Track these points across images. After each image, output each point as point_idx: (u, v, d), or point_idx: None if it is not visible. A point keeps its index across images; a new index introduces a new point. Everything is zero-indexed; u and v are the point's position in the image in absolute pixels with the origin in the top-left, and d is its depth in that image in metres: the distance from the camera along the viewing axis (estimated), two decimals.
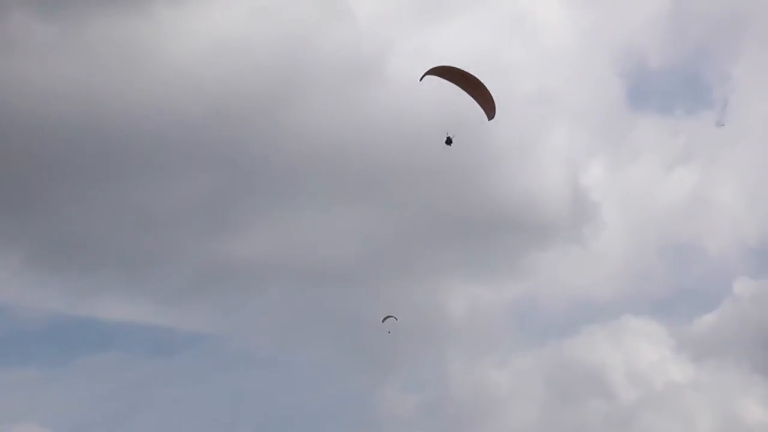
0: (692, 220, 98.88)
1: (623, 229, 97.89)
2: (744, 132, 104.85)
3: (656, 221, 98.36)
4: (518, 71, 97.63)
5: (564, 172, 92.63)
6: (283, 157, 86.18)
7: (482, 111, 52.68)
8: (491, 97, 52.27)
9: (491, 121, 53.15)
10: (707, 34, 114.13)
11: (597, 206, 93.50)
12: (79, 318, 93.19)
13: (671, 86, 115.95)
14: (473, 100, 52.65)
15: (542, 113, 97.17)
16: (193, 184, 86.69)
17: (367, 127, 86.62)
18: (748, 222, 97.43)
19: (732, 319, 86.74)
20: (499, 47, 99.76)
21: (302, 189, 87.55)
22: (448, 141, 55.87)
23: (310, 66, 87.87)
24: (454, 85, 52.60)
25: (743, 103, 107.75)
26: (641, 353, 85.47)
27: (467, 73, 52.02)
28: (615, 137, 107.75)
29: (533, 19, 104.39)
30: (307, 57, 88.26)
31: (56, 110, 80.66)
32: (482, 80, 52.64)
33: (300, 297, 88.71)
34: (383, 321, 63.52)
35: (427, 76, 52.61)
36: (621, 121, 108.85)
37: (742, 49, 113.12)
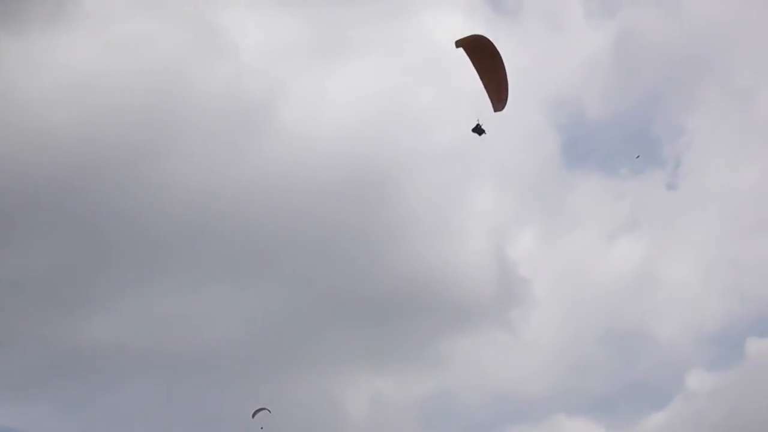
0: (639, 302, 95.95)
1: (558, 312, 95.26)
2: (700, 196, 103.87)
3: (597, 302, 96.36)
4: (432, 120, 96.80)
5: (488, 242, 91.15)
6: (147, 219, 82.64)
7: (489, 100, 52.86)
8: (507, 86, 53.05)
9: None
10: (657, 80, 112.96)
11: (527, 284, 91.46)
12: None
13: (614, 141, 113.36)
14: (485, 86, 52.55)
15: (462, 171, 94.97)
16: (38, 252, 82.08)
17: (251, 185, 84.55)
18: (705, 304, 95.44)
19: (685, 419, 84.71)
20: (410, 91, 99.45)
21: (170, 259, 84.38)
22: (478, 129, 54.96)
23: (182, 109, 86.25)
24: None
25: (700, 161, 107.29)
26: None
27: (497, 52, 52.34)
28: (548, 201, 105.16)
29: (450, 60, 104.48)
30: (178, 98, 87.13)
31: None
32: None
33: (165, 390, 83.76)
34: (253, 416, 62.14)
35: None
36: (555, 182, 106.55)
37: (699, 98, 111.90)
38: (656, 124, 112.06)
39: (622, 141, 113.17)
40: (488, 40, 52.69)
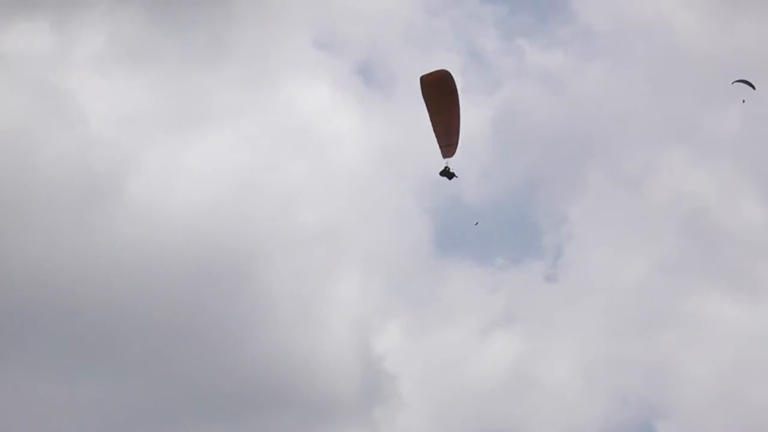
0: (514, 402, 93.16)
1: (426, 412, 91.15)
2: (582, 290, 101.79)
3: (469, 402, 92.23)
4: (296, 198, 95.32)
5: (352, 334, 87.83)
6: None
7: (438, 146, 53.55)
8: (459, 129, 53.44)
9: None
10: (539, 163, 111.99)
11: (393, 380, 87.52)
12: None
13: (491, 228, 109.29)
14: (437, 128, 53.08)
15: (327, 255, 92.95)
16: None
17: (97, 262, 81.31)
18: (584, 406, 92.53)
19: None
20: (273, 166, 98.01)
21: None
22: (447, 173, 54.99)
23: (25, 177, 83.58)
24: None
25: (582, 253, 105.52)
26: None
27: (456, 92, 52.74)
28: (418, 291, 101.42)
29: (318, 133, 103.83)
30: (22, 166, 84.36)
31: None
32: None
33: None
34: None
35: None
36: (426, 271, 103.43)
37: (583, 184, 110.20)
38: (536, 211, 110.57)
39: (498, 228, 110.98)
40: (451, 77, 52.57)
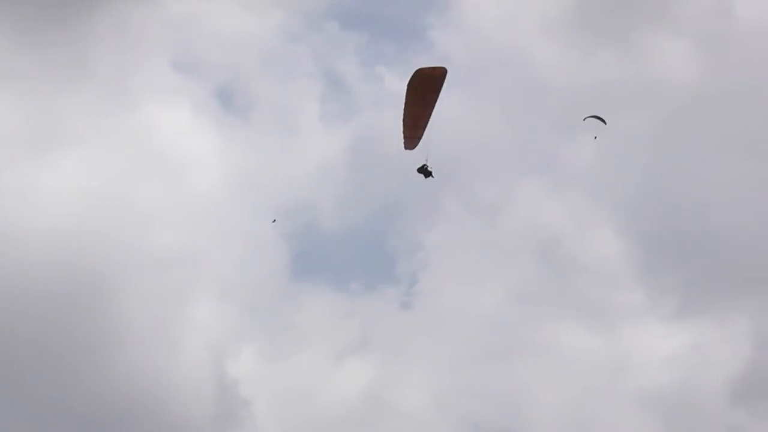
0: (367, 427, 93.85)
1: None
2: (436, 318, 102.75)
3: (323, 427, 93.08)
4: (154, 220, 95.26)
5: (207, 357, 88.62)
6: None
7: (402, 135, 55.15)
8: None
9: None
10: (396, 191, 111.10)
11: (248, 405, 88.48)
12: None
13: (347, 254, 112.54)
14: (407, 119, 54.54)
15: (183, 278, 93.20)
16: None
17: None
18: None
19: None
20: (131, 188, 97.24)
21: None
22: (425, 171, 57.00)
23: None
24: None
25: (437, 281, 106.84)
26: None
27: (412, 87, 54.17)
28: (274, 316, 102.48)
29: (176, 156, 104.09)
30: None
31: None
32: None
33: None
34: None
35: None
36: (283, 296, 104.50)
37: (439, 213, 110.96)
38: (392, 238, 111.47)
39: (354, 255, 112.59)
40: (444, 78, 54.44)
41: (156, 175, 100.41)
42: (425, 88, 54.99)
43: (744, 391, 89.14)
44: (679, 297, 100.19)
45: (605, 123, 64.53)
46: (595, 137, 65.93)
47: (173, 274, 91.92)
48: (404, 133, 56.48)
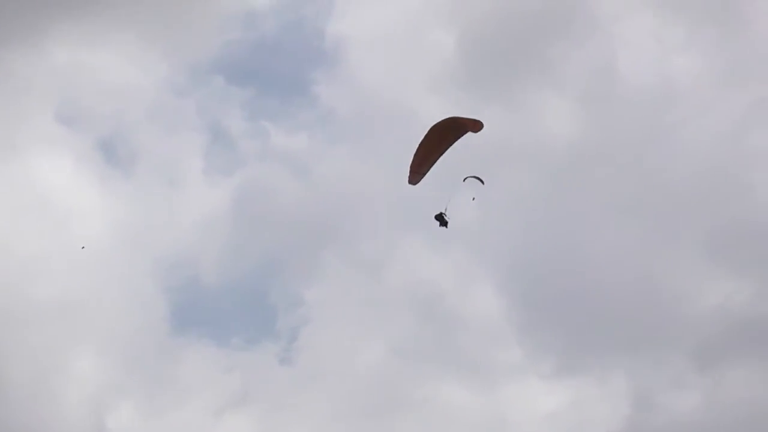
0: None
1: None
2: (316, 374, 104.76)
3: None
4: (33, 271, 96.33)
5: (87, 412, 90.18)
6: None
7: (409, 169, 56.99)
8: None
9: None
10: (278, 245, 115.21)
11: None
12: None
13: (228, 309, 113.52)
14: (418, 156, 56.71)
15: (62, 330, 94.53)
16: None
17: None
18: None
19: None
20: (10, 239, 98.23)
21: None
22: (442, 219, 58.73)
23: None
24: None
25: (317, 337, 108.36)
26: None
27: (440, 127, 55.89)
28: (154, 370, 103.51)
29: (58, 208, 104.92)
30: None
31: None
32: None
33: None
34: None
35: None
36: (162, 350, 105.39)
37: (322, 268, 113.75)
38: (274, 293, 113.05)
39: (235, 309, 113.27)
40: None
41: (37, 227, 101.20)
42: (452, 133, 57.21)
43: None
44: (558, 355, 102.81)
45: (483, 183, 65.59)
46: (473, 198, 66.65)
47: (53, 325, 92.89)
48: (412, 167, 58.33)
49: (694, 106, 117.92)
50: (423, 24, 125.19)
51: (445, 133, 57.84)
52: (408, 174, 59.26)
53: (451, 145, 58.31)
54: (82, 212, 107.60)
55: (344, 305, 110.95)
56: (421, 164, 58.76)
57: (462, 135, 57.80)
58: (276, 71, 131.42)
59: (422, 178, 59.30)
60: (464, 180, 65.13)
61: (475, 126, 57.55)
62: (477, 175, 66.08)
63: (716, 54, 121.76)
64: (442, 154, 58.52)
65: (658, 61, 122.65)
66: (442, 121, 57.68)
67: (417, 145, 58.45)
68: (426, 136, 57.98)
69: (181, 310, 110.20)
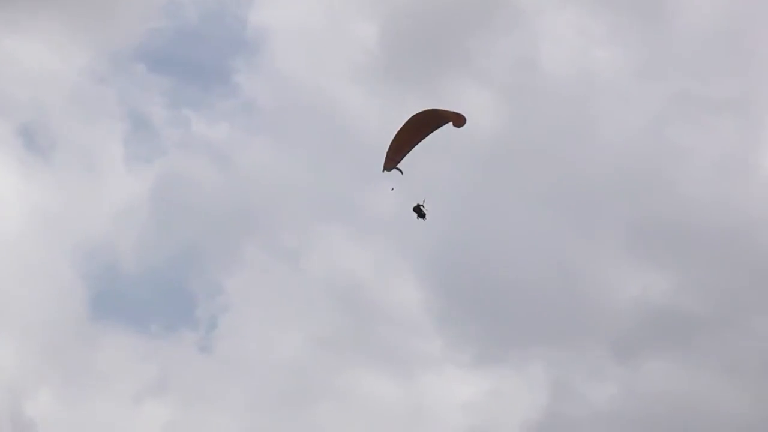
0: None
1: None
2: (234, 362, 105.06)
3: None
4: None
5: (4, 399, 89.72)
6: None
7: (385, 156, 56.76)
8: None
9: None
10: (198, 234, 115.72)
11: None
12: None
13: (147, 297, 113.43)
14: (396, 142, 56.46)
15: None
16: None
17: None
18: None
19: None
20: None
21: None
22: (420, 211, 58.36)
23: None
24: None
25: (236, 325, 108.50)
26: None
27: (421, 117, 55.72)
28: (73, 357, 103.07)
29: None
30: None
31: None
32: None
33: None
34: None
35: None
36: (80, 337, 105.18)
37: (241, 257, 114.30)
38: (193, 281, 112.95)
39: (155, 297, 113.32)
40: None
41: None
42: (432, 123, 57.42)
43: None
44: (477, 345, 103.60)
45: (402, 173, 64.87)
46: (392, 189, 66.14)
47: None
48: (388, 153, 58.39)
49: (614, 99, 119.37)
50: (345, 15, 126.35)
51: (425, 124, 58.14)
52: (384, 161, 59.47)
53: (427, 135, 58.53)
54: (0, 198, 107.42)
55: (264, 294, 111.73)
56: (397, 151, 58.93)
57: (441, 126, 58.15)
58: (197, 60, 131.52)
59: (395, 165, 59.21)
60: (383, 171, 64.71)
61: (458, 120, 57.81)
62: (397, 166, 65.82)
63: (637, 48, 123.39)
64: (417, 143, 58.65)
65: (580, 54, 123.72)
66: (424, 111, 58.06)
67: (394, 133, 58.75)
68: (405, 125, 58.25)
69: (100, 297, 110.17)
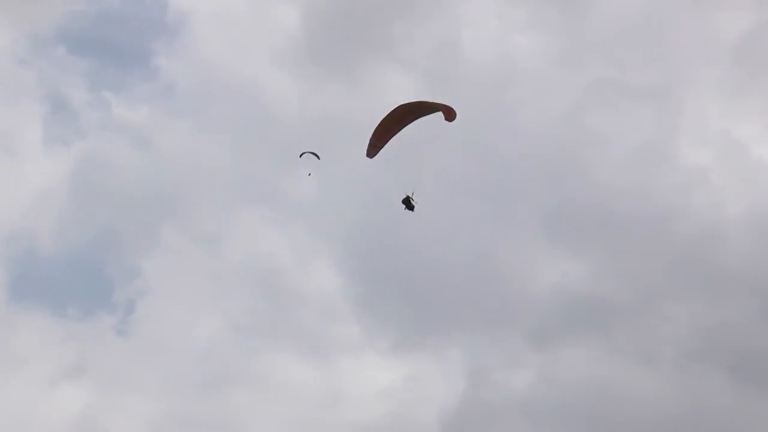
0: None
1: None
2: (153, 346, 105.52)
3: None
4: None
5: None
6: None
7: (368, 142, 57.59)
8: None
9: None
10: (116, 217, 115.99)
11: None
12: None
13: (65, 280, 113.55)
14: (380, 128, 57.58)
15: None
16: None
17: None
18: None
19: None
20: None
21: None
22: (408, 203, 59.11)
23: None
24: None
25: (155, 309, 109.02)
26: None
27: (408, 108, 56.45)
28: None
29: None
30: None
31: None
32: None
33: None
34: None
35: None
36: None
37: (160, 241, 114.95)
38: (111, 265, 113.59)
39: (73, 280, 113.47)
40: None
41: None
42: (418, 113, 58.52)
43: (456, 424, 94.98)
44: (396, 332, 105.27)
45: (319, 158, 67.41)
46: (309, 174, 68.23)
47: None
48: (371, 141, 59.57)
49: (534, 86, 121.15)
50: None
51: (412, 113, 59.20)
52: (367, 148, 60.54)
53: (408, 123, 59.60)
54: None
55: (182, 278, 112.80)
56: (381, 138, 60.12)
57: (418, 114, 59.23)
58: (118, 42, 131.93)
59: (377, 151, 60.45)
60: (300, 156, 66.65)
61: (449, 114, 58.91)
62: (313, 151, 67.89)
63: (557, 35, 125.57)
64: (399, 131, 59.79)
65: (501, 41, 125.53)
66: (413, 102, 59.16)
67: (379, 121, 59.76)
68: (391, 113, 59.28)
69: (18, 280, 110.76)
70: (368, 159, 60.86)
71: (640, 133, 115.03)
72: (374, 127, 59.68)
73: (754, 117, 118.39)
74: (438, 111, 58.55)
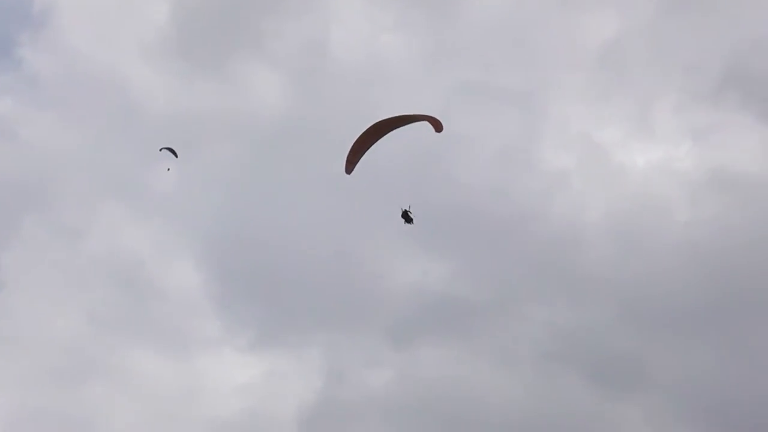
0: None
1: None
2: (10, 337, 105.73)
3: None
4: None
5: None
6: None
7: (346, 159, 58.47)
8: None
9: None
10: None
11: None
12: None
13: None
14: (357, 144, 58.51)
15: None
16: None
17: None
18: None
19: None
20: None
21: None
22: (406, 217, 59.33)
23: None
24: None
25: (12, 300, 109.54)
26: None
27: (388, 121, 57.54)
28: None
29: None
30: None
31: None
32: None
33: None
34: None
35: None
36: None
37: (19, 231, 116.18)
38: None
39: None
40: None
41: None
42: (396, 125, 59.80)
43: (314, 421, 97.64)
44: (255, 329, 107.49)
45: (177, 156, 69.36)
46: (168, 169, 70.60)
47: None
48: (348, 157, 60.76)
49: (400, 85, 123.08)
50: None
51: (390, 127, 60.95)
52: (345, 165, 61.79)
53: (383, 136, 61.07)
54: None
55: (41, 271, 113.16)
56: (358, 154, 61.55)
57: (393, 127, 60.67)
58: None
59: (353, 167, 61.64)
60: (160, 150, 68.91)
61: (438, 126, 60.69)
62: (171, 147, 69.90)
63: (424, 36, 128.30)
64: (373, 144, 61.18)
65: (369, 40, 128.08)
66: (393, 117, 60.91)
67: (357, 137, 61.43)
68: (370, 129, 60.95)
69: None
70: (348, 174, 62.32)
71: (503, 136, 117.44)
72: (351, 144, 61.48)
73: (616, 122, 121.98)
74: (422, 121, 60.42)
